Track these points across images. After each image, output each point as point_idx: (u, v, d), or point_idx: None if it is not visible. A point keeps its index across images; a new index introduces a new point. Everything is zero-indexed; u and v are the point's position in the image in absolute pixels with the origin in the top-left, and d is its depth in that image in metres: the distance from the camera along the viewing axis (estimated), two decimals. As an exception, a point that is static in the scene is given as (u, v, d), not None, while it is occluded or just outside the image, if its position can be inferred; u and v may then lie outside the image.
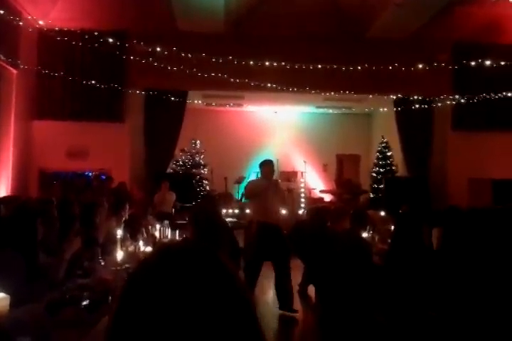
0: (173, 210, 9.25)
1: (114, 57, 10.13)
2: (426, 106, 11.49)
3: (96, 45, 9.97)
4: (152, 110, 11.23)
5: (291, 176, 12.82)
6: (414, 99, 11.56)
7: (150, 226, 6.06)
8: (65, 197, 5.69)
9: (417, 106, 11.51)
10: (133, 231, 5.33)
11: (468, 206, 7.18)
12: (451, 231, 4.06)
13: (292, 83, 10.64)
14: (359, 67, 10.38)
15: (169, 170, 12.08)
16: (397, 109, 11.92)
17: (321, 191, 13.74)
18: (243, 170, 13.64)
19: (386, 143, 13.16)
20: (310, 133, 14.63)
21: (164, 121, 11.27)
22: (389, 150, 13.07)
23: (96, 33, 10.09)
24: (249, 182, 6.62)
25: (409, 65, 10.38)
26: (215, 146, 13.53)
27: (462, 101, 10.93)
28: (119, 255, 4.29)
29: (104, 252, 4.34)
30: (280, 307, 5.64)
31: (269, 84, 10.53)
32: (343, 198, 11.55)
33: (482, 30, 10.94)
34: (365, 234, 5.62)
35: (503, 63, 9.91)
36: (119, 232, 4.76)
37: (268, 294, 6.35)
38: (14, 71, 9.52)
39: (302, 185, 13.66)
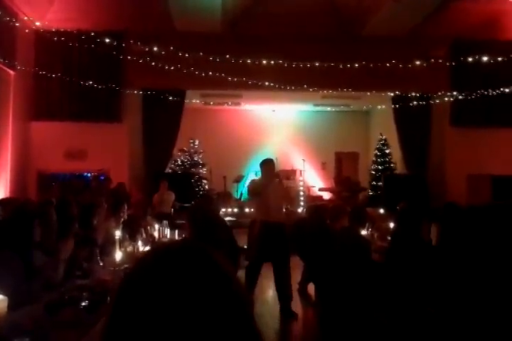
0: (172, 210, 9.23)
1: (111, 57, 10.12)
2: (424, 103, 11.48)
3: (93, 45, 9.97)
4: (150, 110, 11.22)
5: (290, 174, 12.82)
6: (412, 96, 11.56)
7: (149, 227, 6.06)
8: (63, 197, 5.68)
9: (415, 103, 11.50)
10: (132, 232, 5.33)
11: (467, 202, 7.18)
12: (450, 228, 4.06)
13: (290, 81, 10.63)
14: (356, 65, 10.39)
15: (168, 170, 12.06)
16: (395, 106, 11.91)
17: (320, 189, 13.77)
18: (242, 169, 13.66)
19: (384, 140, 13.16)
20: (308, 131, 14.63)
21: (162, 121, 11.27)
22: (387, 148, 13.07)
23: (93, 34, 10.08)
24: (250, 182, 6.63)
25: (407, 61, 10.39)
26: (214, 145, 13.52)
27: (460, 97, 10.92)
28: (118, 256, 4.30)
29: (103, 253, 4.34)
30: (281, 310, 5.63)
31: (266, 83, 10.55)
32: (342, 196, 11.59)
33: (479, 27, 10.93)
34: (364, 232, 5.63)
35: (500, 59, 9.92)
36: (118, 233, 4.76)
37: (268, 293, 6.35)
38: (11, 72, 9.52)
39: (301, 183, 13.66)
